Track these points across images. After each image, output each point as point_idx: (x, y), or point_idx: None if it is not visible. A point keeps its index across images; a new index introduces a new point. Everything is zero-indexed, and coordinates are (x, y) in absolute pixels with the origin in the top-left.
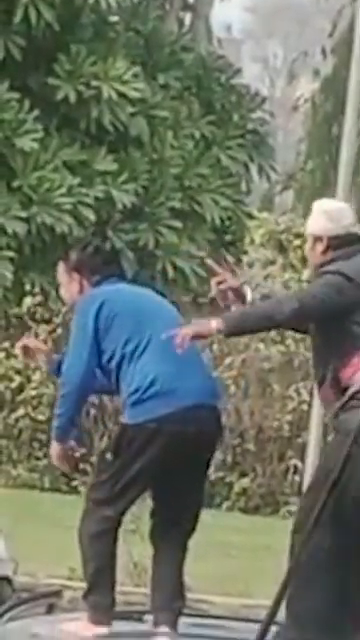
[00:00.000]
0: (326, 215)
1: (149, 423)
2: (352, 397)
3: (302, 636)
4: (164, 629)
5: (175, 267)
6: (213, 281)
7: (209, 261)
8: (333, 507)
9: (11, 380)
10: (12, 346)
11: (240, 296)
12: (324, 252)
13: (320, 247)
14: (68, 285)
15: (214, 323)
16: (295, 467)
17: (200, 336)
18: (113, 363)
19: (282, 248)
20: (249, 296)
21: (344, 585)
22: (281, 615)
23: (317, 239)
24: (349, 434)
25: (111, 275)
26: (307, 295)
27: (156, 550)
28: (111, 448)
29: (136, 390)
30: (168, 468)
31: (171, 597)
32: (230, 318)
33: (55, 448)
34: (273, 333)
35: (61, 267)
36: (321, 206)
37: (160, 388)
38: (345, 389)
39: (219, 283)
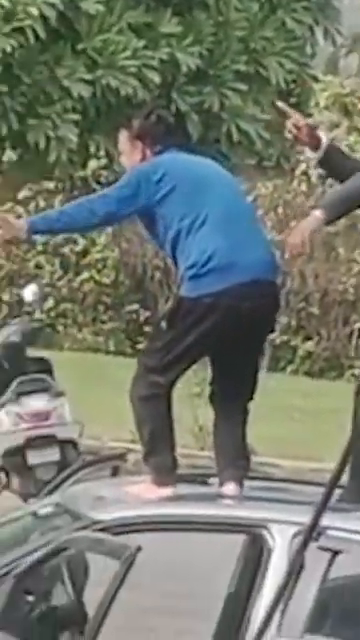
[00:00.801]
0: None
1: (205, 298)
2: None
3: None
4: (229, 486)
5: (240, 130)
6: (289, 122)
7: (280, 104)
8: None
9: (75, 243)
10: None
11: (314, 137)
12: None
13: None
14: (130, 153)
15: (318, 214)
16: None
17: (312, 233)
18: (170, 235)
19: (347, 111)
20: (324, 139)
21: None
22: (345, 478)
23: None
24: None
25: (173, 145)
26: None
27: (216, 415)
28: (166, 318)
29: (193, 265)
30: (222, 343)
31: (235, 456)
32: (330, 206)
33: (17, 224)
34: None
35: (123, 135)
36: None
37: (217, 263)
38: None
39: (295, 127)
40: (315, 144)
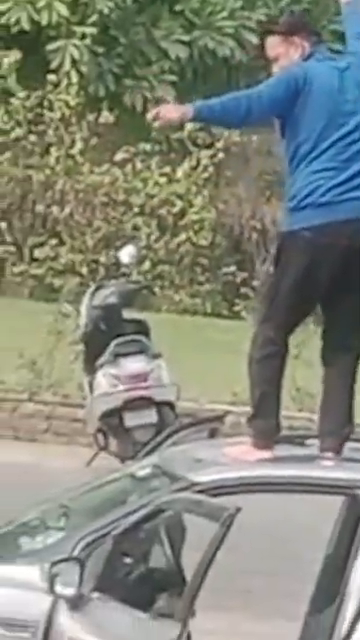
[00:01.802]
0: None
1: (304, 232)
2: None
3: None
4: (329, 454)
5: None
6: None
7: None
8: None
9: (173, 205)
10: (174, 171)
11: None
12: None
13: None
14: (286, 54)
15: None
16: None
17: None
18: (288, 156)
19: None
20: None
21: None
22: None
23: None
24: None
25: (322, 41)
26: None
27: (326, 374)
28: (271, 260)
29: (294, 196)
30: (328, 285)
31: (340, 423)
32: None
33: (183, 108)
34: None
35: (273, 40)
36: None
37: (319, 199)
38: None
39: None
40: None
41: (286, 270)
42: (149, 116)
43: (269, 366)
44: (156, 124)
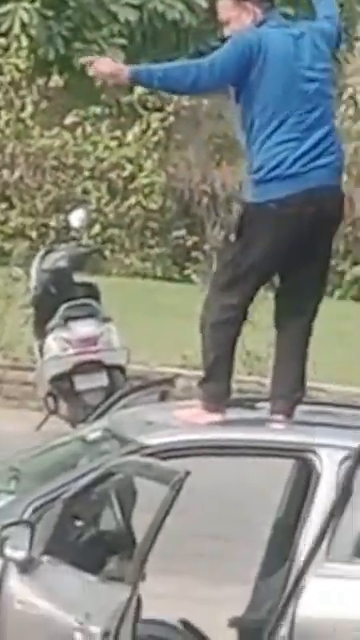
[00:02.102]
0: None
1: (270, 204)
2: None
3: None
4: (279, 417)
5: None
6: None
7: None
8: None
9: (123, 169)
10: (124, 134)
11: None
12: None
13: None
14: (237, 18)
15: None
16: None
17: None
18: (246, 126)
19: None
20: None
21: None
22: None
23: None
24: None
25: (274, 7)
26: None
27: (279, 339)
28: (234, 229)
29: (259, 169)
30: (290, 253)
31: (292, 386)
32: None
33: (119, 67)
34: None
35: (226, 2)
36: None
37: (285, 171)
38: None
39: None
40: None
41: (252, 242)
42: (82, 60)
43: (225, 331)
44: (91, 72)
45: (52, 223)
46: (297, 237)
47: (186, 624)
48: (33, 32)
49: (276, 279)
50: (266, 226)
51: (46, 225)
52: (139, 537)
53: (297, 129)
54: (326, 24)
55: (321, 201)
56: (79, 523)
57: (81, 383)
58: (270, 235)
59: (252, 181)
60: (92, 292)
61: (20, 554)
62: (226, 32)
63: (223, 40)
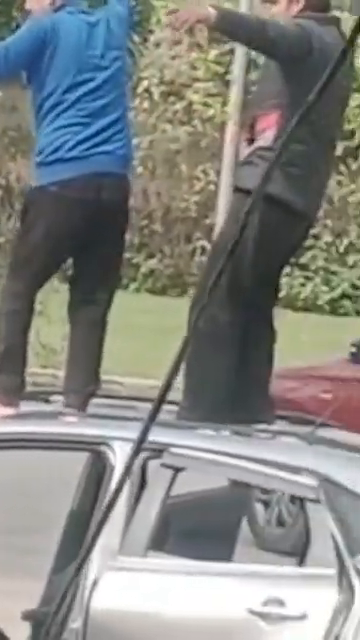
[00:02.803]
0: None
1: (50, 187)
2: (254, 152)
3: (201, 414)
4: (72, 410)
5: None
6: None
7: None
8: (230, 278)
9: None
10: None
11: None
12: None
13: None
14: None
15: (213, 13)
16: (202, 248)
17: (197, 21)
18: (35, 108)
19: (189, 28)
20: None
21: (245, 360)
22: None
23: None
24: (248, 193)
25: None
26: (280, 33)
27: (72, 331)
28: (19, 215)
29: (40, 151)
30: (76, 240)
31: (85, 380)
32: (227, 14)
33: None
34: (180, 114)
35: None
36: None
37: (66, 153)
38: (252, 140)
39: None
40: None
41: (33, 224)
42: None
43: (14, 322)
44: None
45: None
46: (79, 221)
47: None
48: None
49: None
50: (46, 208)
51: None
52: None
53: (82, 114)
54: (118, 6)
55: (103, 187)
56: None
57: None
58: (50, 217)
59: (35, 164)
60: None
61: None
62: (27, 5)
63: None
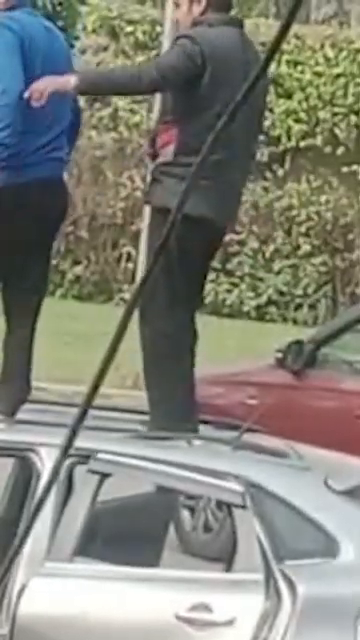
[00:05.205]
0: None
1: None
2: (157, 168)
3: (162, 424)
4: (0, 417)
5: None
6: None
7: None
8: (166, 289)
9: None
10: None
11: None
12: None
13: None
14: None
15: (72, 79)
16: (128, 254)
17: (57, 91)
18: None
19: (114, 34)
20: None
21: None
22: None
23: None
24: (160, 211)
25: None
26: (166, 67)
27: (7, 328)
28: None
29: None
30: (13, 241)
31: (16, 387)
32: (88, 77)
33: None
34: (106, 120)
35: None
36: None
37: (8, 157)
38: (156, 156)
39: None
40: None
41: None
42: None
43: None
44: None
45: None
46: (20, 224)
47: None
48: None
49: None
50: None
51: None
52: None
53: (25, 120)
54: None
55: (43, 191)
56: None
57: None
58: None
59: None
60: None
61: None
62: None
63: None
